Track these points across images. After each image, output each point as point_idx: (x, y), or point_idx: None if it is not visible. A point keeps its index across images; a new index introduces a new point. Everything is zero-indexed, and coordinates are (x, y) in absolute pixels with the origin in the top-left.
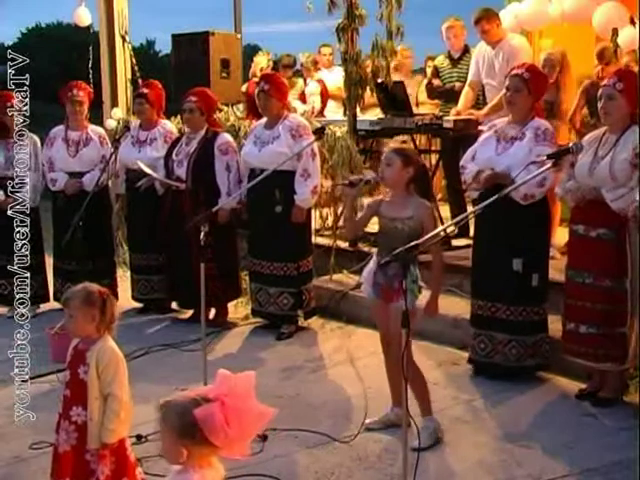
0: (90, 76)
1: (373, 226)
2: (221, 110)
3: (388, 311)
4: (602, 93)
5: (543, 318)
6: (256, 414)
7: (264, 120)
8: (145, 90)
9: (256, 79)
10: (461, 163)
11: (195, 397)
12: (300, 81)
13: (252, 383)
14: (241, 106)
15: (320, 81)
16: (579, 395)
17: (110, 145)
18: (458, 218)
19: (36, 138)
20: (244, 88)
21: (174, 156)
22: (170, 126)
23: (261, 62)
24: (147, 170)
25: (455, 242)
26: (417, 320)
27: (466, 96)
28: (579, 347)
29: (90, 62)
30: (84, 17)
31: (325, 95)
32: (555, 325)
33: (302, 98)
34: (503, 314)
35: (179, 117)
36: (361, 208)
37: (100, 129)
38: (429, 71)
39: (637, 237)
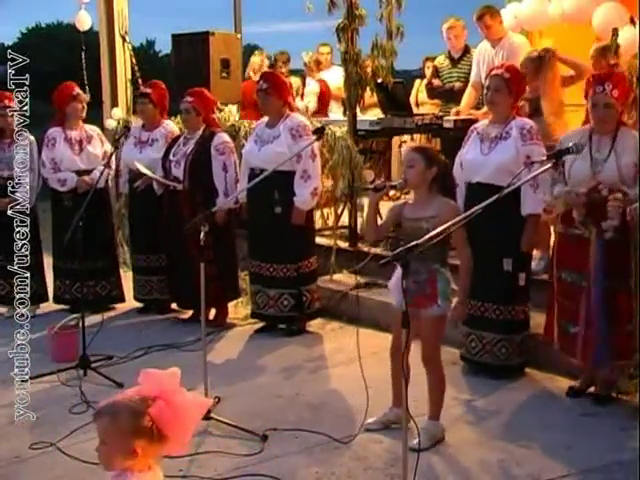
0: (84, 76)
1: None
2: (221, 110)
3: (417, 318)
4: (598, 101)
5: (528, 316)
6: (195, 405)
7: (266, 119)
8: (148, 90)
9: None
10: (454, 174)
11: (140, 398)
12: (297, 80)
13: (178, 378)
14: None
15: (321, 81)
16: (569, 393)
17: (110, 144)
18: (459, 218)
19: (32, 138)
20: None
21: (171, 156)
22: (173, 127)
23: (256, 61)
24: (144, 170)
25: None
26: (446, 324)
27: (469, 96)
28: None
29: (84, 62)
30: (85, 21)
31: (326, 95)
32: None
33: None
34: (492, 314)
35: (179, 117)
36: (361, 208)
37: (95, 127)
38: (428, 72)
39: (637, 237)
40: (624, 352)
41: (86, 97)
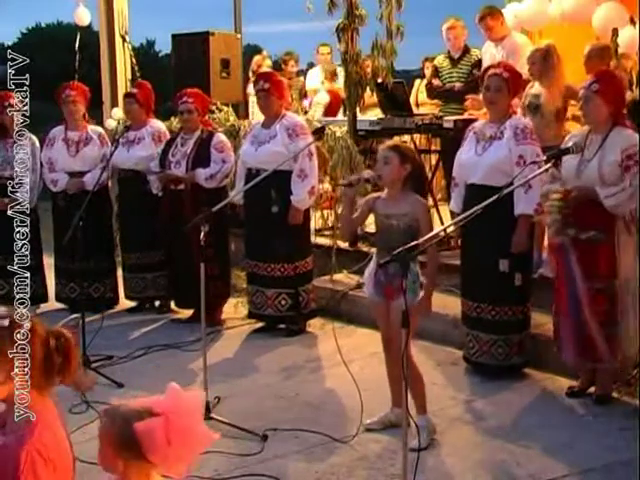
0: (77, 74)
1: (372, 226)
2: (221, 110)
3: (389, 309)
4: (581, 95)
5: (527, 316)
6: (199, 435)
7: (262, 119)
8: (134, 90)
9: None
10: (453, 174)
11: (140, 409)
12: (301, 79)
13: (200, 403)
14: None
15: (331, 92)
16: (569, 393)
17: (110, 144)
18: (458, 218)
19: (34, 138)
20: (250, 89)
21: (170, 157)
22: (159, 125)
23: (259, 62)
24: (156, 169)
25: None
26: (417, 318)
27: None
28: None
29: (78, 61)
30: (84, 17)
31: (335, 106)
32: (550, 325)
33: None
34: (488, 314)
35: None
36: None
37: (99, 128)
38: (427, 72)
39: (637, 239)
40: (595, 354)
41: (73, 96)
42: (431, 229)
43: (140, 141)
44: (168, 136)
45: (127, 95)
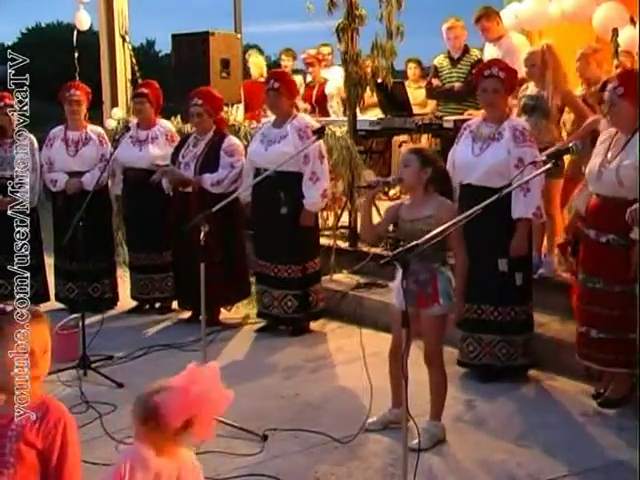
0: (76, 73)
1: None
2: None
3: (418, 318)
4: (606, 100)
5: (530, 316)
6: (216, 400)
7: (272, 118)
8: (145, 90)
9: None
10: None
11: (158, 387)
12: (299, 78)
13: (215, 373)
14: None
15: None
16: (595, 395)
17: (110, 144)
18: (459, 217)
19: (33, 138)
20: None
21: (180, 158)
22: (169, 125)
23: (260, 62)
24: (163, 162)
25: None
26: (449, 324)
27: None
28: (590, 351)
29: (76, 61)
30: (84, 21)
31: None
32: (551, 325)
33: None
34: (490, 315)
35: (179, 117)
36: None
37: (99, 128)
38: (410, 72)
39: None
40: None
41: (78, 96)
42: (458, 232)
43: (154, 140)
44: (177, 136)
45: (138, 95)
